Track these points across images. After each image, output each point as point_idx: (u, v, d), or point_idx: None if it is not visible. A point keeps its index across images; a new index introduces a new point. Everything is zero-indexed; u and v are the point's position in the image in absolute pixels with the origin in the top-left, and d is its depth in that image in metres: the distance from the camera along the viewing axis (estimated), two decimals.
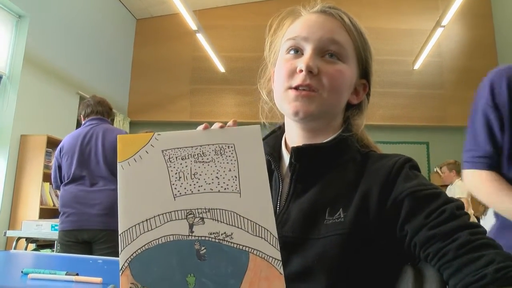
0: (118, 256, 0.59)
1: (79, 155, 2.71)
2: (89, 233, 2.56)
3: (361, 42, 0.82)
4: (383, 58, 6.29)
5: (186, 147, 0.64)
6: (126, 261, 0.57)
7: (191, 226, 0.59)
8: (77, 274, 1.02)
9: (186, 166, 0.63)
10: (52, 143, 4.71)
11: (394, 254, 0.71)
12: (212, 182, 0.62)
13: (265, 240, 0.59)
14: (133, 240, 0.58)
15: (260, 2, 7.54)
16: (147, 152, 0.63)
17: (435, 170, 6.48)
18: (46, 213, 4.56)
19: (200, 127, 0.67)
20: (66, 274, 1.01)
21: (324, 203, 0.74)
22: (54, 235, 3.24)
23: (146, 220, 0.59)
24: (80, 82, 5.87)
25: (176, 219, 0.60)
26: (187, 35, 7.06)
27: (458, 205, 0.67)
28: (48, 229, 3.36)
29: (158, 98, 7.51)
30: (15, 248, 3.49)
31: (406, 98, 6.88)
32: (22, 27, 4.86)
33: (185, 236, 0.58)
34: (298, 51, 0.80)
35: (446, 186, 5.12)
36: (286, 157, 0.84)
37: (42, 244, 4.06)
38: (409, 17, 7.19)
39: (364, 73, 0.85)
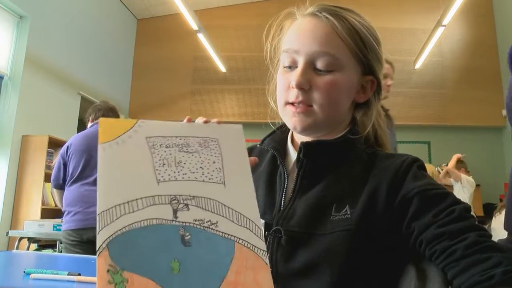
0: None
1: (87, 154, 2.73)
2: (95, 231, 2.58)
3: (357, 42, 0.78)
4: (384, 58, 6.25)
5: (170, 137, 0.63)
6: (104, 241, 0.54)
7: (175, 211, 0.58)
8: (79, 274, 1.02)
9: (170, 154, 0.62)
10: (54, 144, 4.71)
11: (398, 252, 0.71)
12: (197, 171, 0.61)
13: (250, 230, 0.58)
14: (113, 221, 0.55)
15: (261, 2, 7.54)
16: (130, 137, 0.62)
17: (436, 169, 6.47)
18: (48, 213, 4.56)
19: (184, 120, 0.69)
20: (68, 274, 1.02)
21: (331, 199, 0.75)
22: (56, 235, 3.24)
23: (128, 202, 0.57)
24: (82, 82, 5.88)
25: (159, 203, 0.58)
26: (188, 35, 7.06)
27: (466, 207, 0.68)
28: (50, 229, 3.36)
29: (159, 98, 7.52)
30: (17, 248, 3.49)
31: (407, 97, 6.87)
32: (24, 28, 4.87)
33: (169, 221, 0.56)
34: (292, 66, 0.79)
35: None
36: (292, 152, 0.85)
37: (44, 244, 4.07)
38: (410, 16, 7.18)
39: (369, 69, 0.82)
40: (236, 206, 0.59)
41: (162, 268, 0.54)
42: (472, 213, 0.69)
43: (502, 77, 7.00)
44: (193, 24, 5.60)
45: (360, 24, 0.79)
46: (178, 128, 0.65)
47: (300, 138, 0.84)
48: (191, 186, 0.60)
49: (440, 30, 5.66)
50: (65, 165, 2.81)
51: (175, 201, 0.58)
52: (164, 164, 0.61)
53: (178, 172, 0.61)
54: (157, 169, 0.60)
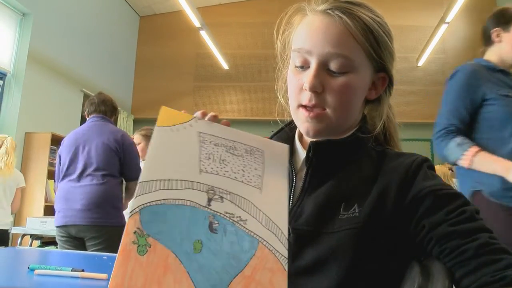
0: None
1: (73, 151, 2.75)
2: (75, 228, 2.60)
3: (371, 41, 0.76)
4: None
5: (220, 137, 0.68)
6: (138, 206, 0.58)
7: (209, 200, 0.61)
8: (82, 270, 1.02)
9: (217, 152, 0.66)
10: (57, 141, 4.72)
11: (404, 251, 0.71)
12: (238, 172, 0.65)
13: (275, 235, 0.60)
14: (151, 192, 0.59)
15: None
16: (184, 128, 0.67)
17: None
18: (51, 210, 4.56)
19: (198, 113, 0.72)
20: (72, 270, 1.02)
21: (339, 198, 0.75)
22: None
23: (169, 180, 0.61)
24: (84, 79, 5.89)
25: (197, 190, 0.61)
26: (190, 32, 7.06)
27: (476, 209, 0.68)
28: (53, 226, 3.35)
29: (162, 95, 7.52)
30: (20, 245, 3.51)
31: (410, 95, 6.86)
32: (26, 25, 4.88)
33: (202, 207, 0.59)
34: (303, 66, 0.77)
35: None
36: (300, 151, 0.85)
37: (47, 241, 4.08)
38: (413, 13, 7.16)
39: (382, 66, 0.80)
40: (267, 211, 0.62)
41: (185, 244, 0.57)
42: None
43: None
44: (195, 21, 5.59)
45: (373, 21, 0.76)
46: (229, 132, 0.69)
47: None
48: (230, 183, 0.63)
49: (443, 27, 5.64)
50: (59, 162, 2.84)
51: (212, 191, 0.62)
52: (209, 158, 0.65)
53: (221, 168, 0.64)
54: (202, 161, 0.64)
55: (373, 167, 0.77)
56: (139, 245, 0.55)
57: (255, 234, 0.60)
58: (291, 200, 0.80)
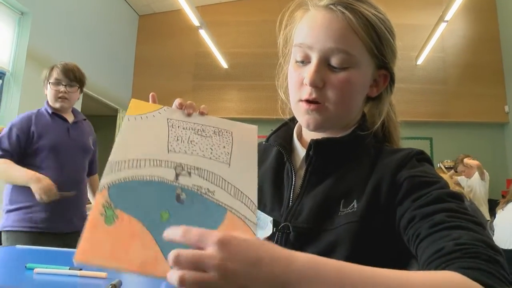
0: None
1: None
2: None
3: (373, 37, 0.76)
4: None
5: (189, 122, 0.70)
6: (106, 183, 0.60)
7: (177, 175, 0.63)
8: (80, 269, 1.02)
9: (185, 134, 0.68)
10: None
11: (401, 245, 0.71)
12: (206, 150, 0.67)
13: (244, 204, 0.63)
14: (119, 171, 0.61)
15: None
16: (153, 116, 0.70)
17: (438, 165, 6.47)
18: None
19: (176, 102, 0.74)
20: (69, 269, 1.02)
21: (339, 195, 0.75)
22: None
23: (137, 159, 0.63)
24: None
25: (165, 167, 0.64)
26: (190, 31, 7.05)
27: (449, 192, 0.66)
28: None
29: (161, 94, 7.39)
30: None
31: (409, 93, 6.85)
32: (25, 24, 4.87)
33: (169, 181, 0.61)
34: (304, 61, 0.77)
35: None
36: (300, 149, 0.85)
37: None
38: (412, 12, 7.15)
39: (383, 63, 0.80)
40: (236, 183, 0.64)
41: (152, 214, 0.59)
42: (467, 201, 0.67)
43: (504, 73, 6.97)
44: (194, 20, 5.59)
45: (375, 17, 0.76)
46: (199, 118, 0.72)
47: (309, 135, 0.84)
48: (198, 160, 0.66)
49: (442, 26, 5.64)
50: None
51: (180, 168, 0.64)
52: (177, 140, 0.67)
53: (189, 148, 0.67)
54: (170, 142, 0.67)
55: (371, 163, 0.77)
56: (106, 216, 0.57)
57: (223, 203, 0.62)
58: (290, 198, 0.80)
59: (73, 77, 2.48)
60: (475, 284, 0.49)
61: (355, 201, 0.73)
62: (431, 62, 7.10)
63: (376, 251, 0.69)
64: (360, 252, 0.69)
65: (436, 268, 0.54)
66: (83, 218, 2.27)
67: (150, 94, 0.76)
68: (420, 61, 6.94)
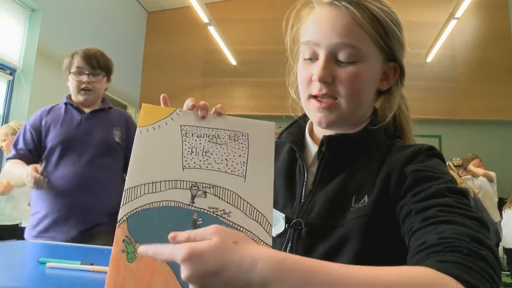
0: None
1: None
2: None
3: (379, 30, 0.76)
4: None
5: (203, 127, 0.69)
6: (125, 215, 0.60)
7: (193, 197, 0.63)
8: (91, 264, 1.04)
9: (200, 144, 0.67)
10: None
11: None
12: (221, 163, 0.66)
13: (260, 224, 0.62)
14: (136, 198, 0.61)
15: None
16: (166, 124, 0.68)
17: (447, 163, 6.42)
18: None
19: (187, 102, 0.72)
20: (81, 264, 1.03)
21: (351, 191, 0.75)
22: None
23: (153, 182, 0.63)
24: None
25: (180, 188, 0.63)
26: (198, 28, 7.06)
27: (451, 187, 0.65)
28: None
29: (170, 91, 7.49)
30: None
31: (419, 91, 6.81)
32: (35, 21, 4.91)
33: (185, 205, 0.61)
34: (312, 58, 0.78)
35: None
36: (312, 145, 0.85)
37: None
38: (421, 9, 7.10)
39: (392, 56, 0.80)
40: (251, 200, 0.64)
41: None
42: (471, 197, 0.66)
43: None
44: (203, 17, 5.59)
45: (380, 10, 0.76)
46: (212, 119, 0.70)
47: (321, 132, 0.84)
48: (213, 176, 0.65)
49: (452, 23, 5.59)
50: None
51: (195, 188, 0.64)
52: (192, 152, 0.66)
53: (204, 161, 0.66)
54: (184, 156, 0.66)
55: (381, 159, 0.78)
56: (128, 253, 0.58)
57: (239, 226, 0.62)
58: (303, 195, 0.80)
59: (96, 64, 2.05)
60: (448, 278, 0.47)
61: (366, 196, 0.73)
62: (441, 59, 7.05)
63: (387, 244, 0.69)
64: (371, 246, 0.69)
65: (418, 261, 0.54)
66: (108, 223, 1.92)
67: (161, 96, 0.75)
68: (429, 59, 6.89)
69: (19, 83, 4.74)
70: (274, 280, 0.46)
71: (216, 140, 0.68)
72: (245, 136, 0.69)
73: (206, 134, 0.68)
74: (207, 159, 0.66)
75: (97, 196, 1.91)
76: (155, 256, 0.52)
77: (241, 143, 0.68)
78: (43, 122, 2.02)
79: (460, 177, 5.12)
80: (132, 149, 0.65)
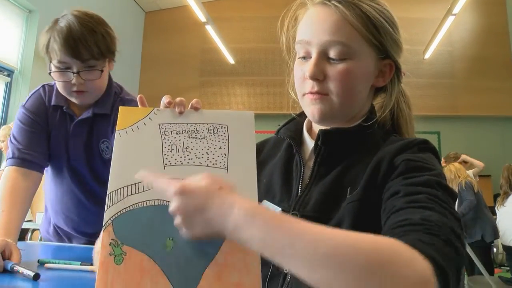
0: None
1: None
2: None
3: (369, 27, 0.77)
4: None
5: (181, 123, 0.69)
6: (110, 218, 0.61)
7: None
8: (91, 265, 1.03)
9: (179, 140, 0.67)
10: None
11: None
12: (202, 157, 0.67)
13: None
14: (120, 201, 0.62)
15: None
16: (144, 124, 0.68)
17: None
18: None
19: (163, 100, 0.73)
20: (81, 264, 1.03)
21: (346, 184, 0.77)
22: None
23: (135, 184, 0.63)
24: None
25: None
26: (196, 27, 7.05)
27: (441, 182, 0.66)
28: None
29: (168, 90, 7.47)
30: (30, 239, 3.54)
31: (417, 87, 6.81)
32: (32, 22, 4.90)
33: (168, 202, 0.60)
34: (306, 57, 0.80)
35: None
36: (309, 141, 0.87)
37: None
38: (419, 5, 7.10)
39: (386, 53, 0.81)
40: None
41: (157, 245, 0.60)
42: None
43: None
44: (201, 16, 5.59)
45: (371, 8, 0.78)
46: (190, 115, 0.70)
47: (319, 128, 0.85)
48: (195, 171, 0.65)
49: (450, 19, 5.59)
50: None
51: None
52: (172, 150, 0.66)
53: (185, 157, 0.66)
54: (165, 154, 0.66)
55: (376, 152, 0.78)
56: (115, 256, 0.59)
57: None
58: (299, 189, 0.81)
59: (87, 54, 1.38)
60: (420, 257, 0.48)
61: (359, 186, 0.74)
62: (439, 56, 7.05)
63: (376, 229, 0.70)
64: (361, 231, 0.70)
65: (395, 235, 0.55)
66: None
67: (138, 97, 0.76)
68: (427, 55, 6.89)
69: (17, 85, 4.73)
70: (243, 225, 0.52)
71: (196, 135, 0.68)
72: (225, 127, 0.69)
73: (185, 130, 0.68)
74: (187, 155, 0.66)
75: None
76: (151, 184, 0.60)
77: (221, 135, 0.69)
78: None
79: (464, 163, 5.11)
80: (112, 152, 0.65)
